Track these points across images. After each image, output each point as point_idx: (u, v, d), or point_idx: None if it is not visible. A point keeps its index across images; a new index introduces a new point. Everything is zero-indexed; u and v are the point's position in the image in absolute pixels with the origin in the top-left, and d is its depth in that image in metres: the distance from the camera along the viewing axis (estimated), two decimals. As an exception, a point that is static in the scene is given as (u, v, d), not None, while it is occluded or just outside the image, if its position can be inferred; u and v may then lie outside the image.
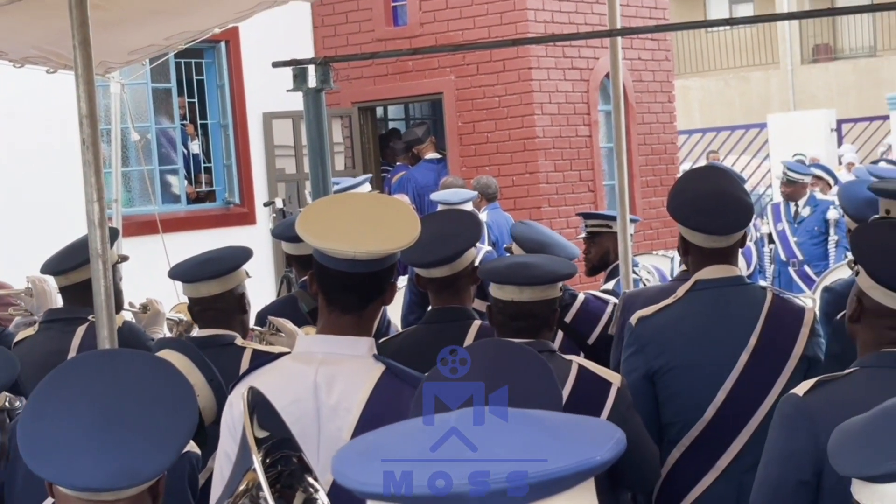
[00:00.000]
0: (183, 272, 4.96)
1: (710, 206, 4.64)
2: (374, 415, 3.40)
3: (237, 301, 4.89)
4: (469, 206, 9.91)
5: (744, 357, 4.40)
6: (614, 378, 4.32)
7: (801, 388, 3.48)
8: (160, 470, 2.55)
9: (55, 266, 5.22)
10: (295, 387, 3.44)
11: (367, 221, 3.65)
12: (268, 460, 2.30)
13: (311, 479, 2.40)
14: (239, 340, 4.81)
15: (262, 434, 2.38)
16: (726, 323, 4.47)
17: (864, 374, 3.48)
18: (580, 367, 4.30)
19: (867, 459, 2.31)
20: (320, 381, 3.46)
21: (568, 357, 4.37)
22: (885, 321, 3.45)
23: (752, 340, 4.40)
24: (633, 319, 4.74)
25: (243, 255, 5.01)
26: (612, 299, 6.06)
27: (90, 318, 4.94)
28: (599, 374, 4.31)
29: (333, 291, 3.50)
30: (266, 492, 2.21)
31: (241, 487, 2.30)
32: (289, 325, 5.38)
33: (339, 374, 3.47)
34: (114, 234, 5.52)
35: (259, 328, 5.43)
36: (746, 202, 4.78)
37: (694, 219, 4.59)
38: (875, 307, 3.49)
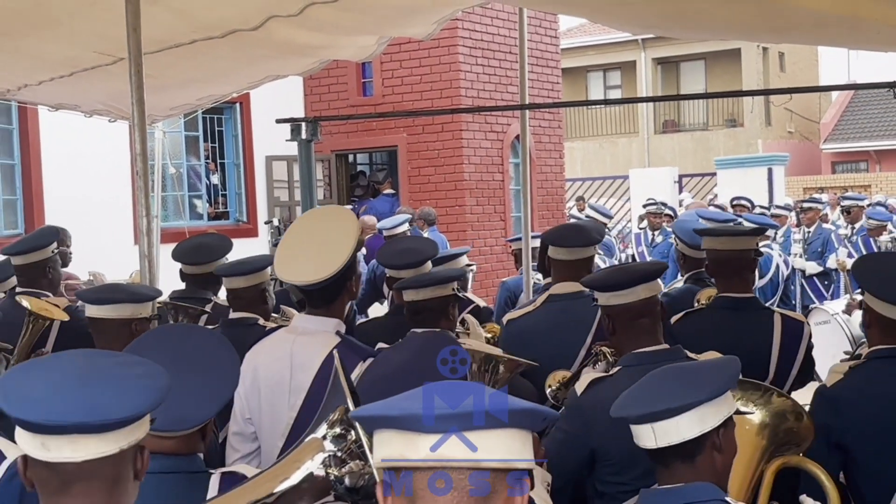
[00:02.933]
0: (222, 269, 5.11)
1: (566, 228, 5.16)
2: (326, 373, 3.36)
3: (260, 294, 4.93)
4: (405, 228, 10.42)
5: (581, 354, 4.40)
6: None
7: (579, 388, 3.55)
8: (207, 419, 2.58)
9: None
10: (278, 350, 3.71)
11: (309, 255, 3.72)
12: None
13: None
14: (261, 321, 4.82)
15: (346, 383, 2.32)
16: (567, 327, 4.46)
17: (624, 372, 3.45)
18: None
19: (620, 405, 2.58)
20: (295, 348, 3.67)
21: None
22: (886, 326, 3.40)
23: (588, 340, 4.39)
24: (504, 320, 4.87)
25: (266, 261, 5.03)
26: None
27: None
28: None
29: (305, 296, 3.75)
30: (360, 428, 2.17)
31: (335, 416, 2.26)
32: (292, 311, 5.23)
33: (308, 343, 3.67)
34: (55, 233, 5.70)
35: (275, 314, 5.32)
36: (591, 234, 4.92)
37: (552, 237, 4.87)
38: (878, 317, 3.44)
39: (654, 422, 2.44)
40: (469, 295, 6.02)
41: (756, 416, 2.94)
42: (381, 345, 4.05)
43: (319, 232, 3.80)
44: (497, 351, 3.75)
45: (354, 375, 3.39)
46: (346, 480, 2.20)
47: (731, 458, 2.56)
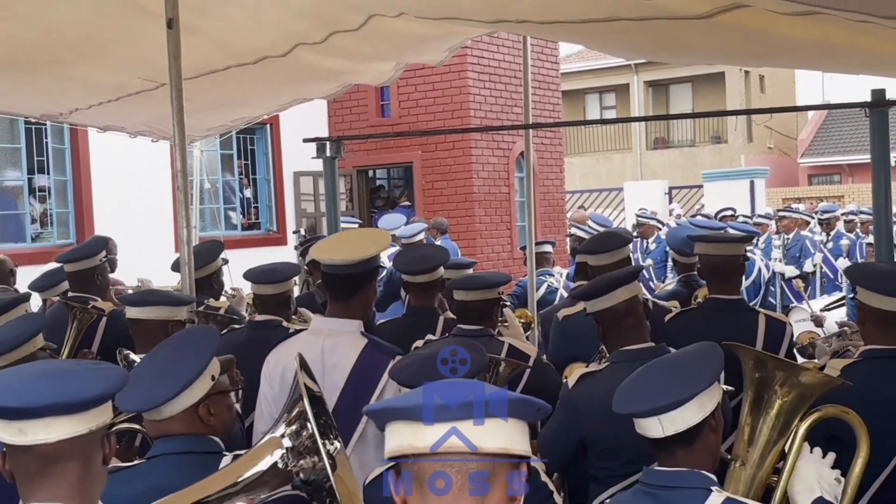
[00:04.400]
0: (252, 276, 4.99)
1: (601, 239, 5.01)
2: (360, 373, 3.52)
3: (286, 300, 4.93)
4: (421, 237, 10.22)
5: None
6: (531, 351, 4.38)
7: (571, 381, 3.58)
8: (170, 396, 2.59)
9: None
10: (308, 352, 3.39)
11: (346, 244, 3.83)
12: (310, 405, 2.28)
13: (330, 415, 2.42)
14: (285, 323, 4.78)
15: (308, 382, 2.37)
16: None
17: (612, 368, 3.48)
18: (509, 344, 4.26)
19: (624, 403, 2.56)
20: (326, 348, 3.59)
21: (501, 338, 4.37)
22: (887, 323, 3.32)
23: None
24: (560, 315, 4.85)
25: (293, 270, 5.10)
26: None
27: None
28: (521, 349, 4.28)
29: (328, 285, 3.72)
30: (310, 416, 2.23)
31: (292, 416, 2.31)
32: (309, 314, 5.42)
33: (338, 344, 3.60)
34: (219, 247, 5.79)
35: (295, 316, 5.26)
36: (624, 237, 5.03)
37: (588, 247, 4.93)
38: (872, 311, 3.36)
39: (662, 414, 2.44)
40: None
41: (794, 388, 2.85)
42: (417, 343, 4.14)
43: (357, 237, 4.01)
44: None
45: (386, 374, 3.44)
46: (301, 474, 2.26)
47: (721, 432, 2.57)
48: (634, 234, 13.48)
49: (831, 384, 2.88)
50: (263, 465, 2.30)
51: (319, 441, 2.21)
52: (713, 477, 2.51)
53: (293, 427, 2.29)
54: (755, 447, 2.82)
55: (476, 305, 4.33)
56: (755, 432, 2.84)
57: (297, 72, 5.86)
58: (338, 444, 2.37)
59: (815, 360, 4.66)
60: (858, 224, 13.41)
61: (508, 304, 4.90)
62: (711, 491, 2.44)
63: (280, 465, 2.28)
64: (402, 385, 3.07)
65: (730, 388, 2.92)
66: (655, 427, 2.45)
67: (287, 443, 2.28)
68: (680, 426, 2.44)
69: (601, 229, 12.49)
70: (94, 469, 2.03)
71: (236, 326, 4.98)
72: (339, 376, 3.54)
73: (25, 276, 6.37)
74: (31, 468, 1.97)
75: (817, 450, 2.77)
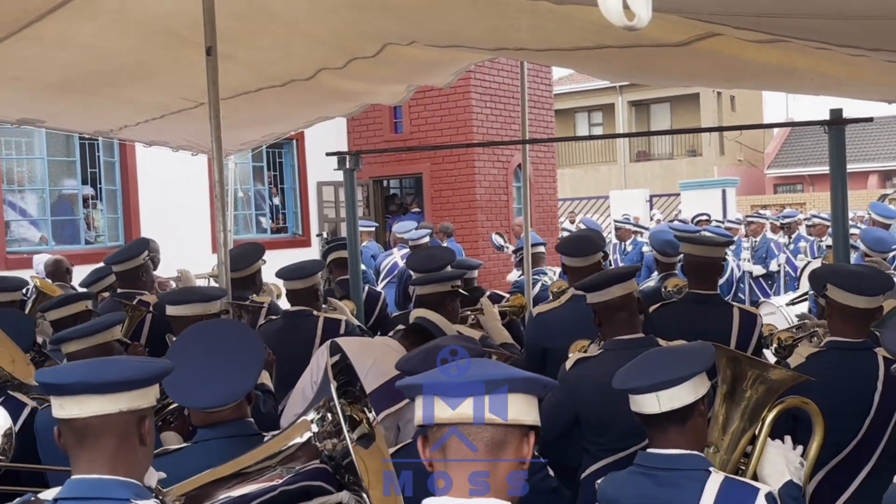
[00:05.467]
0: (283, 273, 5.00)
1: (575, 241, 4.81)
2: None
3: (314, 292, 4.94)
4: (426, 239, 10.10)
5: None
6: (475, 335, 4.34)
7: (568, 363, 3.55)
8: (246, 393, 2.61)
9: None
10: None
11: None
12: (338, 392, 2.31)
13: (367, 402, 2.43)
14: (315, 312, 4.86)
15: (336, 371, 2.39)
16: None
17: (605, 354, 3.45)
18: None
19: (625, 380, 2.50)
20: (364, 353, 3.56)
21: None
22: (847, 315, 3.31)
23: None
24: (534, 312, 4.69)
25: (318, 266, 5.17)
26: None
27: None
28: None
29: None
30: (339, 410, 2.27)
31: (321, 404, 2.34)
32: (339, 303, 5.55)
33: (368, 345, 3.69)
34: (261, 250, 5.71)
35: (325, 305, 5.29)
36: (597, 241, 4.81)
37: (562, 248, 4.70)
38: (839, 307, 3.33)
39: (661, 390, 2.39)
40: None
41: (763, 383, 2.86)
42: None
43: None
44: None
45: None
46: (326, 451, 2.31)
47: (708, 419, 2.56)
48: (614, 237, 13.73)
49: (797, 380, 2.87)
50: (295, 442, 2.35)
51: (343, 424, 2.26)
52: (708, 459, 2.48)
53: (321, 411, 2.33)
54: (727, 434, 2.82)
55: (431, 298, 4.27)
56: (728, 421, 2.85)
57: (321, 93, 5.87)
58: (371, 416, 2.41)
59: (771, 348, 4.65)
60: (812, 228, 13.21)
61: (466, 294, 4.72)
62: (710, 472, 2.40)
63: (310, 443, 2.32)
64: (406, 374, 2.98)
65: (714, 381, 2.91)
66: (652, 403, 2.40)
67: (315, 427, 2.34)
68: (675, 403, 2.39)
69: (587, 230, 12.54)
70: (129, 447, 2.03)
71: (273, 317, 5.00)
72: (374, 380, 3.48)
73: (81, 275, 6.39)
74: (71, 440, 2.02)
75: (787, 438, 2.77)
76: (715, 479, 2.36)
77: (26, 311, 5.30)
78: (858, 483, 3.21)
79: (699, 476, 2.37)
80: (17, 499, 2.06)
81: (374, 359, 3.59)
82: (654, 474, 2.42)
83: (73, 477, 2.03)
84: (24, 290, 5.37)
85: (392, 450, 2.76)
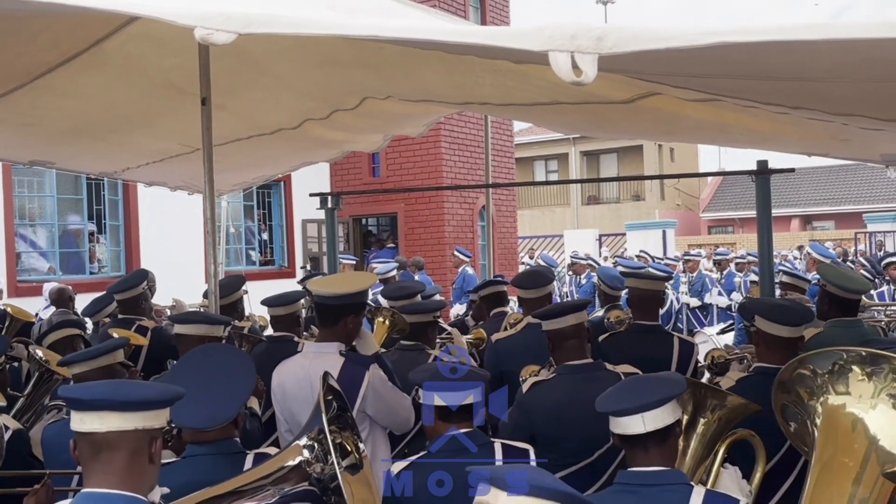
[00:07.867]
0: (267, 301, 4.85)
1: (528, 275, 4.93)
2: (342, 385, 3.15)
3: (295, 319, 4.83)
4: (394, 273, 9.99)
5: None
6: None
7: (525, 386, 3.45)
8: (231, 417, 2.57)
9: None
10: (299, 371, 3.47)
11: (338, 281, 3.77)
12: (329, 420, 2.28)
13: (356, 432, 2.37)
14: (296, 338, 4.66)
15: (328, 399, 2.36)
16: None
17: (558, 378, 3.39)
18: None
19: (610, 404, 2.41)
20: (312, 368, 3.41)
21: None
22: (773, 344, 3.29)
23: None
24: (493, 339, 4.65)
25: (299, 296, 4.97)
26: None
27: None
28: None
29: (318, 313, 3.56)
30: (328, 438, 2.23)
31: (313, 434, 2.30)
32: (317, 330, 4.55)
33: (321, 363, 3.34)
34: (242, 280, 5.64)
35: (306, 332, 5.22)
36: (547, 276, 4.87)
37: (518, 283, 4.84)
38: (766, 335, 3.32)
39: (646, 411, 2.31)
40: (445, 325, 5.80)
41: (718, 412, 2.85)
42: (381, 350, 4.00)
43: (350, 277, 4.10)
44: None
45: (365, 383, 3.34)
46: (315, 474, 2.27)
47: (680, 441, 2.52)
48: (569, 272, 13.84)
49: (749, 410, 2.87)
50: (287, 465, 2.32)
51: (332, 451, 2.23)
52: (686, 475, 2.42)
53: (313, 438, 2.31)
54: (688, 459, 2.79)
55: (414, 327, 4.26)
56: (688, 447, 2.82)
57: (306, 141, 5.79)
58: (362, 446, 2.37)
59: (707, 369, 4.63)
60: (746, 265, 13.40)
61: (447, 327, 4.76)
62: (692, 486, 2.32)
63: (300, 466, 2.29)
64: (415, 383, 2.87)
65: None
66: (637, 424, 2.30)
67: (306, 453, 2.31)
68: (658, 423, 2.31)
69: (544, 265, 12.60)
70: (139, 463, 1.99)
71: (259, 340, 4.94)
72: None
73: (85, 302, 6.28)
74: (87, 453, 1.98)
75: (735, 468, 2.75)
76: (698, 492, 2.30)
77: (2, 333, 5.31)
78: (783, 492, 3.20)
79: (683, 490, 2.30)
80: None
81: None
82: (637, 491, 2.32)
83: (83, 490, 2.00)
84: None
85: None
